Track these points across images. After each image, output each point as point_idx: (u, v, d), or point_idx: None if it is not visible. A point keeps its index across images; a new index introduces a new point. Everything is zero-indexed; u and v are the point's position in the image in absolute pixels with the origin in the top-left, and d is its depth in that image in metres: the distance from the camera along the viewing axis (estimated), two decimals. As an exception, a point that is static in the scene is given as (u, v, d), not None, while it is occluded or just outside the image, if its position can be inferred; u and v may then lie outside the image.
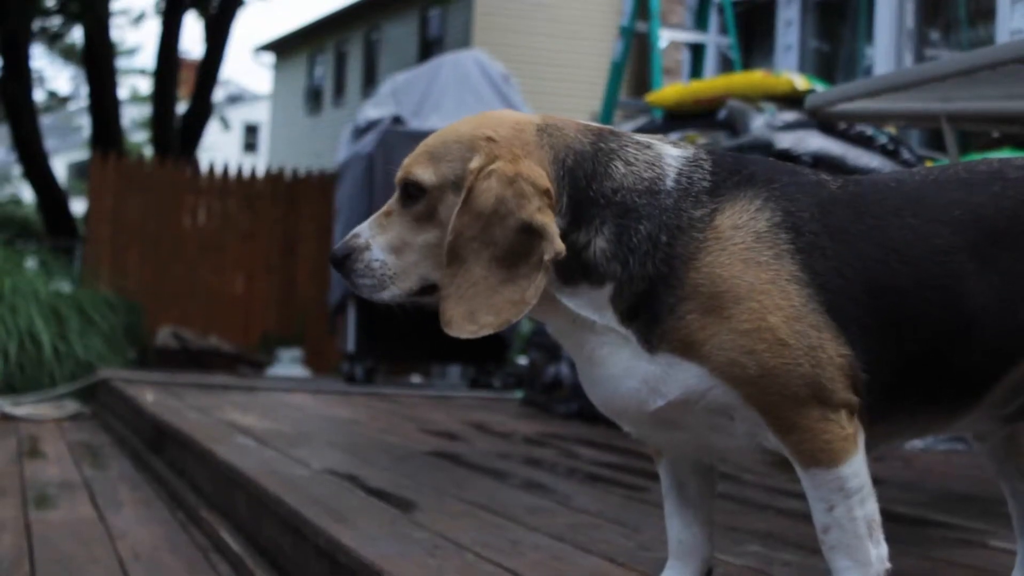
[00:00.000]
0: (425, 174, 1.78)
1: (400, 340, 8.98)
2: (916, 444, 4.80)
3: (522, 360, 8.77)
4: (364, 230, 1.81)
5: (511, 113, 1.84)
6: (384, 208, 1.82)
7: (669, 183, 1.78)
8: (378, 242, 1.80)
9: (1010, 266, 1.79)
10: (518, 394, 7.62)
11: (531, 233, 1.72)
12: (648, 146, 1.83)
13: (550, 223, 1.72)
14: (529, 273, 1.73)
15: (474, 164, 1.75)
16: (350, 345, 8.98)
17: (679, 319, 1.72)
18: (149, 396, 6.69)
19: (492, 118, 1.82)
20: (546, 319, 1.84)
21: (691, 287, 1.72)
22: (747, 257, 1.72)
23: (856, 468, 1.72)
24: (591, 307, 1.77)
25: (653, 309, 1.73)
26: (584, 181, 1.77)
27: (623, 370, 1.76)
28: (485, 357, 9.13)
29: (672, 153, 1.83)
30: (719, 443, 1.79)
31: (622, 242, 1.75)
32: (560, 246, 1.72)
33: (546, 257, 1.71)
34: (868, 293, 1.75)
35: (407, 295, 1.81)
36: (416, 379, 10.59)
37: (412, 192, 1.79)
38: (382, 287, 1.80)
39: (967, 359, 1.80)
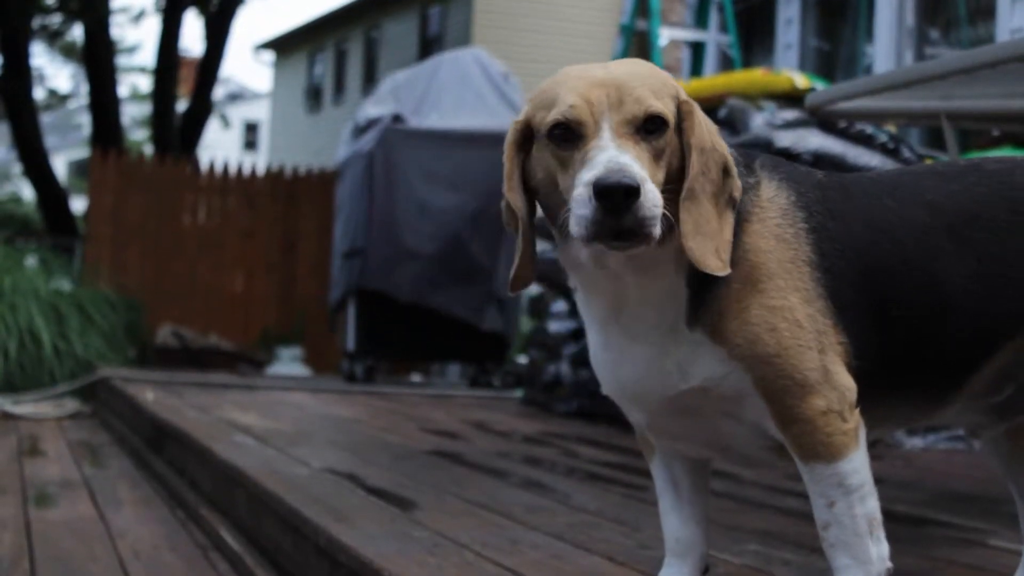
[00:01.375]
0: (664, 108, 1.67)
1: (400, 338, 8.98)
2: (916, 443, 4.79)
3: (522, 359, 8.77)
4: (631, 162, 1.59)
5: None
6: (617, 140, 1.62)
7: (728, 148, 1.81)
8: (647, 174, 1.61)
9: (985, 248, 1.82)
10: (518, 393, 7.62)
11: (727, 170, 1.71)
12: None
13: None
14: (728, 212, 1.71)
15: (686, 98, 1.71)
16: (350, 343, 8.98)
17: (727, 285, 1.72)
18: (149, 395, 6.69)
19: (638, 60, 1.77)
20: (591, 283, 1.75)
21: (742, 251, 1.73)
22: (777, 233, 1.75)
23: (856, 465, 1.73)
24: (667, 266, 1.72)
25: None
26: None
27: (660, 348, 1.74)
28: (485, 356, 9.13)
29: None
30: (726, 429, 1.79)
31: None
32: (740, 185, 1.72)
33: (736, 194, 1.71)
34: (862, 274, 1.78)
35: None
36: (416, 378, 10.59)
37: (655, 128, 1.65)
38: (658, 223, 1.58)
39: (950, 341, 1.82)
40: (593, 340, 1.84)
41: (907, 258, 1.80)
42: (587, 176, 1.58)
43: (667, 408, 1.78)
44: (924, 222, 1.82)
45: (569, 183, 1.64)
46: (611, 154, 1.59)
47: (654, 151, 1.65)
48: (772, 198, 1.77)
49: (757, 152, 1.87)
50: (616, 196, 1.55)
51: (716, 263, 1.66)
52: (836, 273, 1.75)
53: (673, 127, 1.68)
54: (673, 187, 1.67)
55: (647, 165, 1.62)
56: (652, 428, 1.87)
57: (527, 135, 1.73)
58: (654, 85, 1.68)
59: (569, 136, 1.65)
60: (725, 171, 1.71)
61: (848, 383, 1.73)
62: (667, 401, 1.77)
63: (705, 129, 1.71)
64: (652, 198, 1.57)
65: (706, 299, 1.72)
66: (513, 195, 1.75)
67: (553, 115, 1.66)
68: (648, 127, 1.65)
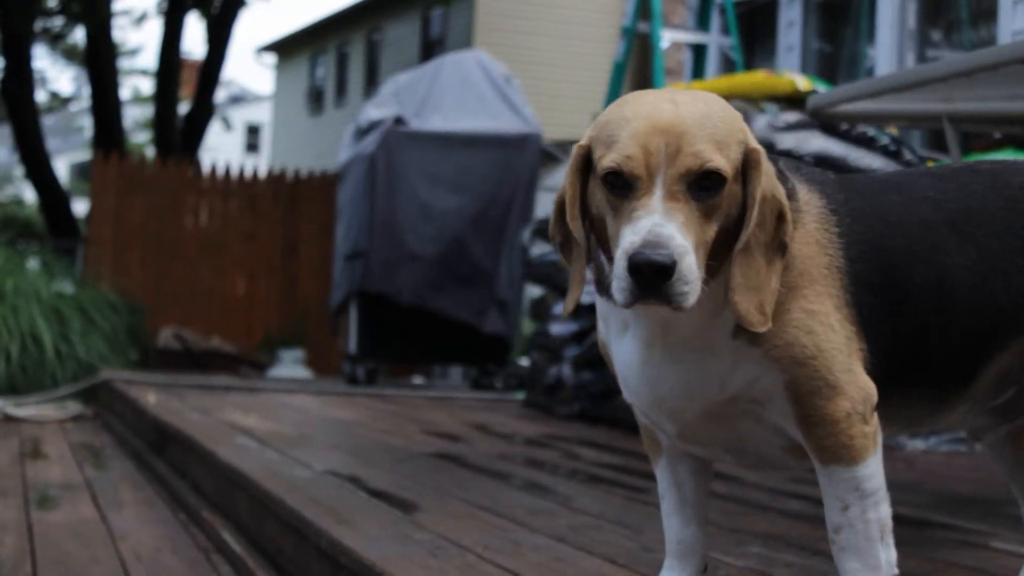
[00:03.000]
0: (724, 163, 1.61)
1: (402, 341, 8.98)
2: (918, 445, 4.79)
3: (524, 361, 8.77)
4: (675, 231, 1.56)
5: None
6: (666, 203, 1.57)
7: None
8: (690, 243, 1.58)
9: (984, 242, 1.84)
10: (520, 395, 7.62)
11: (782, 216, 1.68)
12: None
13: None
14: (778, 259, 1.68)
15: (754, 146, 1.67)
16: (352, 346, 8.98)
17: None
18: (151, 397, 6.69)
19: (711, 96, 1.69)
20: (639, 309, 1.67)
21: (789, 258, 1.71)
22: (816, 238, 1.76)
23: (873, 469, 1.73)
24: (719, 291, 1.67)
25: None
26: None
27: (702, 364, 1.72)
28: (487, 358, 9.13)
29: None
30: (749, 432, 1.79)
31: None
32: (791, 230, 1.68)
33: (787, 240, 1.68)
34: (880, 272, 1.78)
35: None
36: (418, 380, 10.59)
37: (711, 184, 1.60)
38: (694, 294, 1.57)
39: (953, 339, 1.83)
40: (628, 355, 1.78)
41: (915, 251, 1.81)
42: (627, 242, 1.56)
43: (700, 419, 1.78)
44: (928, 216, 1.84)
45: (615, 232, 1.61)
46: (655, 221, 1.55)
47: (706, 209, 1.60)
48: (807, 203, 1.77)
49: (774, 155, 1.86)
50: (649, 274, 1.53)
51: (759, 319, 1.63)
52: (861, 278, 1.76)
53: (734, 177, 1.63)
54: (729, 232, 1.64)
55: (695, 227, 1.58)
56: (682, 437, 1.84)
57: (588, 161, 1.69)
58: (720, 133, 1.62)
59: (622, 184, 1.61)
60: (780, 217, 1.67)
61: (870, 386, 1.74)
62: (702, 412, 1.77)
63: (769, 178, 1.66)
64: (687, 274, 1.54)
65: None
66: (575, 224, 1.70)
67: (609, 161, 1.61)
68: (703, 184, 1.60)
